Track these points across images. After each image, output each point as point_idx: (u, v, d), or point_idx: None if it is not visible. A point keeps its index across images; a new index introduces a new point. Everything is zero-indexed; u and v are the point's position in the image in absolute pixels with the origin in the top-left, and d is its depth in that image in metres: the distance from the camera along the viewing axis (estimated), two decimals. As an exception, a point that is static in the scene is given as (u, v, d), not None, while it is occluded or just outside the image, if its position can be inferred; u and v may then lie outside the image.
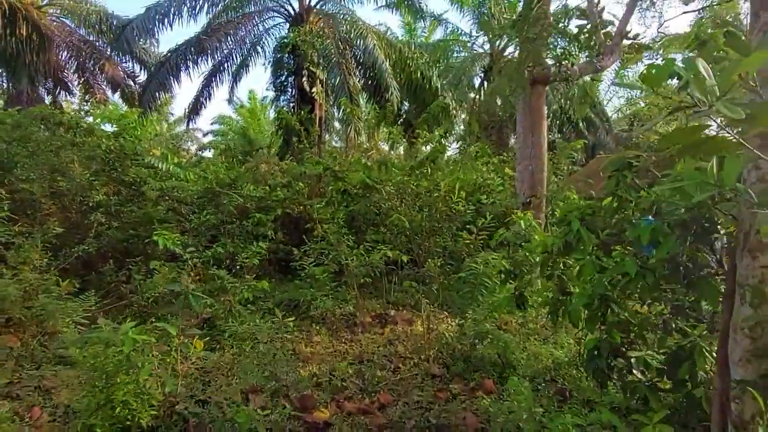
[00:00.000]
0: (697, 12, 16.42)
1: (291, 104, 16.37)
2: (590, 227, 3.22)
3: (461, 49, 24.69)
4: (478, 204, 8.69)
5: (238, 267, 7.61)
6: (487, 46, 24.21)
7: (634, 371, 3.11)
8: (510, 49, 24.23)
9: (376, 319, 7.12)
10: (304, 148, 12.29)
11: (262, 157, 14.64)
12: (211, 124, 35.22)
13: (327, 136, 30.17)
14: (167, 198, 9.95)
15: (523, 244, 4.33)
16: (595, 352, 3.24)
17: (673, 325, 3.27)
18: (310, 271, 7.24)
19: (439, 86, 15.56)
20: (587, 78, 10.65)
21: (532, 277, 4.32)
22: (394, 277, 7.96)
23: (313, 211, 8.93)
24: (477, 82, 24.84)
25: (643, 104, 28.29)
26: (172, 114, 37.56)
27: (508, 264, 4.19)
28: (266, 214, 9.93)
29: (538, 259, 3.86)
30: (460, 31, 24.28)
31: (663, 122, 23.73)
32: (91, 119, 9.59)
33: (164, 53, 17.42)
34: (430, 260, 7.04)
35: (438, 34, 25.32)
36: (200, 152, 32.30)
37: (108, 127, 9.85)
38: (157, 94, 16.11)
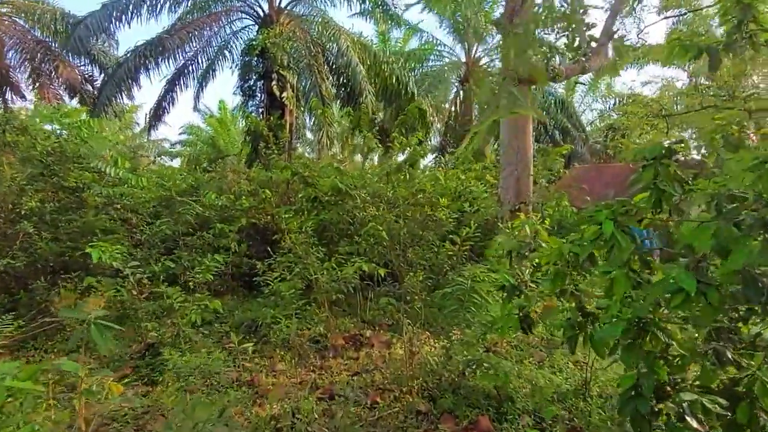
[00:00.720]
0: (673, 20, 16.28)
1: (260, 110, 15.52)
2: (624, 231, 2.50)
3: (437, 58, 24.29)
4: (461, 213, 7.98)
5: (194, 283, 6.71)
6: (463, 56, 23.89)
7: (688, 419, 2.37)
8: (485, 59, 24.07)
9: (350, 341, 6.29)
10: (273, 154, 11.45)
11: (228, 165, 13.70)
12: (180, 134, 33.95)
13: (300, 146, 29.39)
14: (116, 206, 8.97)
15: (528, 253, 3.61)
16: (633, 392, 2.50)
17: (729, 356, 2.56)
18: (275, 288, 6.38)
19: (415, 92, 14.93)
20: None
21: (536, 293, 3.59)
22: (370, 293, 7.16)
23: (281, 221, 8.13)
24: (453, 92, 24.52)
25: (615, 116, 28.39)
26: (138, 124, 36.17)
27: (511, 278, 3.43)
28: (229, 224, 9.07)
29: (548, 272, 3.13)
30: (435, 41, 23.89)
31: (639, 133, 23.70)
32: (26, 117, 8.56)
33: (122, 54, 16.39)
34: (410, 274, 6.27)
35: (413, 43, 24.91)
36: (160, 158, 30.98)
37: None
38: (113, 97, 15.05)
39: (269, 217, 9.85)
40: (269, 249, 7.61)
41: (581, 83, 20.13)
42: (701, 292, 2.17)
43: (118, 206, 9.66)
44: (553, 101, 22.59)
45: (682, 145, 2.60)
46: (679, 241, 2.40)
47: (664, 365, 2.46)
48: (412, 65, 22.24)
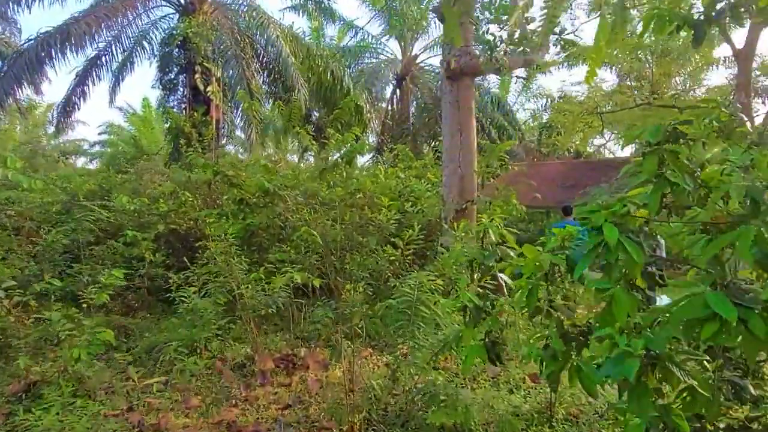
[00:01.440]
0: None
1: (182, 105, 14.28)
2: (631, 238, 1.92)
3: (372, 54, 23.72)
4: (402, 213, 7.37)
5: (89, 304, 5.67)
6: (399, 53, 23.46)
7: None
8: (423, 56, 23.77)
9: (282, 362, 5.50)
10: (194, 153, 10.39)
11: (144, 165, 12.42)
12: (100, 134, 31.45)
13: (232, 146, 27.89)
14: (8, 213, 7.70)
15: (493, 264, 3.01)
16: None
17: (752, 390, 2.05)
18: (192, 304, 5.49)
19: (351, 88, 14.22)
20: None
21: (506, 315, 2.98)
22: (305, 306, 6.38)
23: (205, 227, 7.21)
24: (389, 90, 24.04)
25: (547, 116, 28.96)
26: (51, 123, 33.26)
27: (476, 297, 2.78)
28: (145, 231, 8.03)
29: (517, 286, 2.51)
30: (370, 37, 23.30)
31: (560, 134, 24.14)
32: None
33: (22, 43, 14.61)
34: (348, 284, 5.56)
35: (348, 41, 24.20)
36: (66, 158, 28.62)
37: None
38: (12, 91, 13.33)
39: (192, 222, 8.87)
40: (191, 258, 6.69)
41: (520, 78, 20.17)
42: (741, 320, 1.61)
43: (11, 213, 8.37)
44: (489, 99, 22.56)
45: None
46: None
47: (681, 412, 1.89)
48: (348, 62, 21.53)
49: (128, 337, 6.46)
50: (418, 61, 23.59)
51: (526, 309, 2.46)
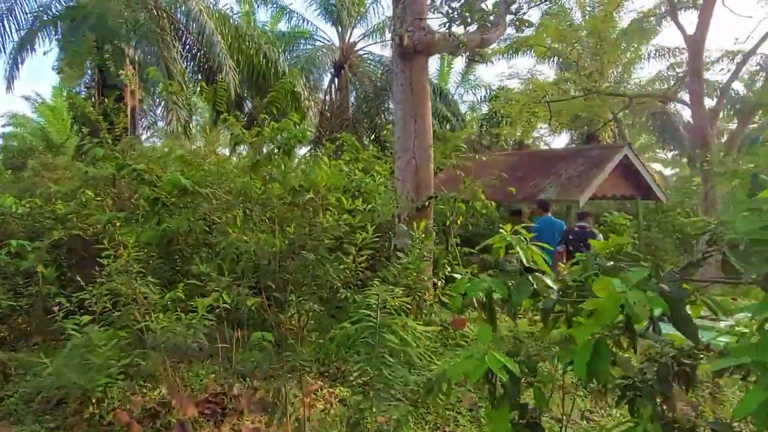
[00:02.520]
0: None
1: (93, 91, 12.49)
2: None
3: (308, 41, 22.39)
4: (349, 213, 6.34)
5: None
6: (336, 40, 22.27)
7: None
8: (362, 44, 22.69)
9: (208, 407, 4.34)
10: (104, 144, 8.86)
11: (43, 159, 10.64)
12: (3, 125, 28.11)
13: (156, 139, 25.63)
14: None
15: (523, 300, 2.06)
16: None
17: None
18: (85, 338, 4.22)
19: (287, 72, 12.94)
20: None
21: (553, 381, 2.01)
22: (238, 332, 5.22)
23: (115, 232, 5.91)
24: (327, 79, 22.81)
25: (486, 108, 28.76)
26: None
27: (510, 361, 1.80)
28: (34, 239, 6.60)
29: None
30: (306, 23, 21.96)
31: (505, 124, 23.94)
32: None
33: None
34: (292, 304, 4.50)
35: (283, 26, 22.73)
36: None
37: None
38: None
39: (101, 226, 7.46)
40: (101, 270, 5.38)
41: (475, 60, 19.55)
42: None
43: None
44: (431, 89, 21.85)
45: None
46: None
47: None
48: (283, 48, 20.12)
49: (7, 379, 5.07)
50: (357, 48, 22.52)
51: (594, 382, 1.51)
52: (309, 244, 5.28)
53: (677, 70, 17.98)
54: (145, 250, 6.20)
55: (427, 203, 6.10)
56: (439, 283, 5.78)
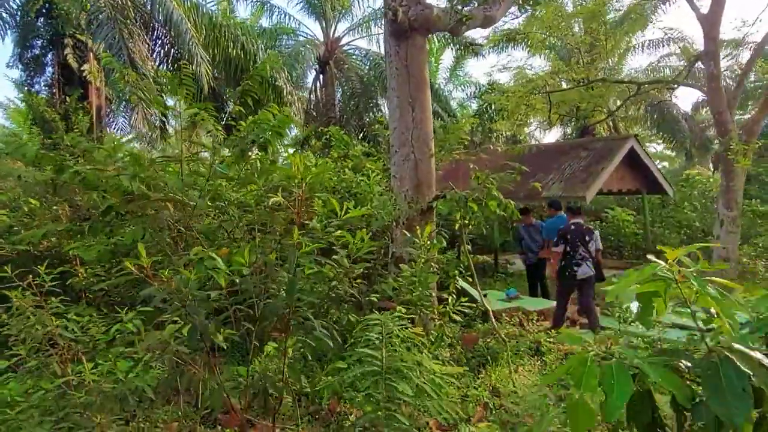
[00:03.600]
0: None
1: (53, 88, 11.41)
2: None
3: (291, 37, 21.36)
4: (343, 218, 5.40)
5: None
6: (320, 35, 21.29)
7: None
8: (347, 38, 21.73)
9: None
10: (61, 145, 7.88)
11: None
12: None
13: (135, 143, 24.41)
14: None
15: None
16: None
17: None
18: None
19: (267, 65, 11.91)
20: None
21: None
22: (206, 372, 4.24)
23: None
24: (311, 77, 21.80)
25: (475, 104, 27.93)
26: None
27: None
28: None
29: None
30: (289, 18, 20.95)
31: (501, 118, 23.09)
32: None
33: None
34: (273, 338, 3.54)
35: (264, 23, 21.68)
36: None
37: None
38: None
39: (55, 239, 6.52)
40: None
41: (474, 46, 18.63)
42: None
43: None
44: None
45: None
46: None
47: None
48: (264, 44, 19.10)
49: None
50: (342, 44, 21.55)
51: None
52: (291, 255, 4.32)
53: (682, 55, 17.25)
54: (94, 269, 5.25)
55: (432, 204, 5.16)
56: (450, 299, 4.85)
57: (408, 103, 6.22)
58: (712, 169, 25.61)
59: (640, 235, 14.76)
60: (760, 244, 10.75)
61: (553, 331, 6.48)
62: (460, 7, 5.95)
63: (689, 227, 13.97)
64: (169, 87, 6.33)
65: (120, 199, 4.64)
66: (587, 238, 6.93)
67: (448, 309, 4.88)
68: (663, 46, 20.43)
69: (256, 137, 4.76)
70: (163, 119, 15.77)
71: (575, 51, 16.98)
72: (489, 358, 5.43)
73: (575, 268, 6.91)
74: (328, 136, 9.51)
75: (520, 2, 7.04)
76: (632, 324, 6.06)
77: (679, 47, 19.86)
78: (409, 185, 6.20)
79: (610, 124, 21.16)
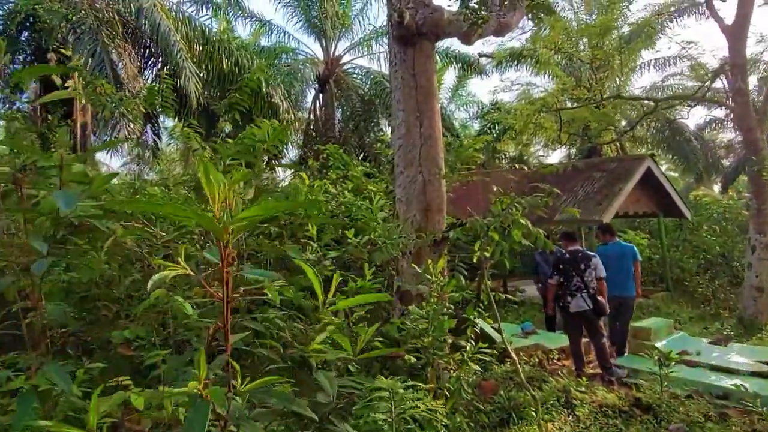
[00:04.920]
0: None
1: (36, 106, 10.75)
2: None
3: (291, 55, 20.88)
4: (336, 243, 4.64)
5: None
6: (320, 53, 20.79)
7: None
8: (347, 57, 21.23)
9: None
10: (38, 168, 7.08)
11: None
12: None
13: (133, 165, 23.77)
14: None
15: None
16: None
17: None
18: None
19: (263, 82, 11.31)
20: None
21: None
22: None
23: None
24: (311, 96, 21.25)
25: (477, 125, 27.41)
26: None
27: None
28: None
29: None
30: (288, 37, 20.49)
31: (508, 138, 22.52)
32: None
33: None
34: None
35: (264, 42, 21.23)
36: None
37: None
38: None
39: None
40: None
41: (485, 58, 18.03)
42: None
43: None
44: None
45: None
46: None
47: None
48: (264, 61, 18.57)
49: None
50: (342, 62, 21.05)
51: None
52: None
53: (691, 73, 16.71)
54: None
55: (447, 234, 4.37)
56: (469, 347, 4.06)
57: (415, 117, 5.52)
58: (721, 190, 24.95)
59: (654, 260, 13.97)
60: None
61: (583, 378, 5.66)
62: (475, 10, 5.28)
63: (708, 251, 13.18)
64: (146, 100, 5.64)
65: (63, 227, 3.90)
66: (583, 266, 6.07)
67: (466, 357, 4.09)
68: (670, 65, 19.91)
69: (242, 154, 4.03)
70: (156, 138, 15.17)
71: (583, 69, 16.47)
72: (512, 412, 4.62)
73: (569, 299, 6.10)
74: (325, 156, 8.81)
75: (534, 11, 6.38)
76: (670, 366, 5.23)
77: (691, 65, 19.34)
78: (416, 210, 5.45)
79: (617, 144, 20.56)
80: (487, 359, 4.36)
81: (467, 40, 5.90)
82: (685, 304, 11.17)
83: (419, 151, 5.50)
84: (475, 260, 4.23)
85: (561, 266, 6.11)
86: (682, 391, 5.16)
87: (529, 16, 7.89)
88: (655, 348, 6.17)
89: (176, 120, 10.87)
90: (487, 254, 4.00)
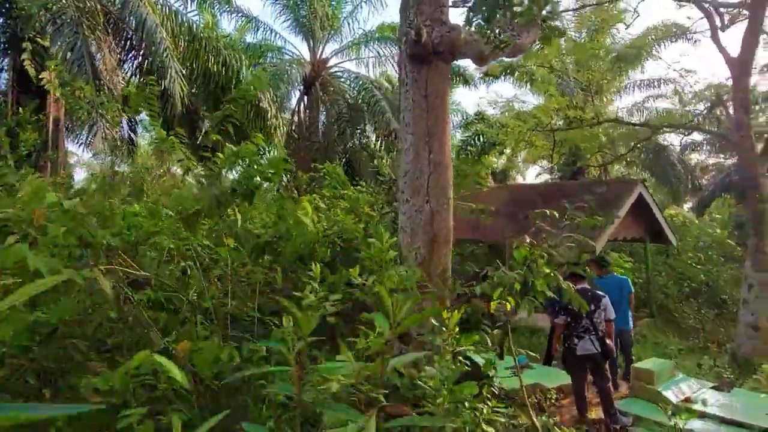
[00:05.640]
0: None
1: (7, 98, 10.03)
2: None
3: (277, 54, 20.30)
4: (347, 290, 4.19)
5: None
6: (307, 54, 20.25)
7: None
8: (335, 59, 20.74)
9: None
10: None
11: None
12: None
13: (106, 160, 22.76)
14: None
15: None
16: None
17: None
18: None
19: (252, 87, 10.74)
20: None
21: None
22: None
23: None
24: (296, 97, 20.69)
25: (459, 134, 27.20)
26: None
27: None
28: None
29: None
30: (275, 35, 19.92)
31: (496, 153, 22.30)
32: None
33: None
34: None
35: (250, 39, 20.59)
36: None
37: None
38: None
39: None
40: None
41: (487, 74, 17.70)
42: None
43: None
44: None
45: None
46: None
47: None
48: (248, 60, 17.94)
49: None
50: (330, 65, 20.57)
51: None
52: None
53: (673, 96, 16.78)
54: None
55: (471, 291, 3.92)
56: (486, 409, 3.67)
57: (424, 142, 5.12)
58: (697, 214, 25.26)
59: (637, 284, 13.91)
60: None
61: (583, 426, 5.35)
62: (496, 32, 4.92)
63: (693, 280, 13.16)
64: (130, 106, 5.11)
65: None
66: (593, 306, 5.76)
67: (480, 420, 3.70)
68: (655, 86, 20.00)
69: (238, 185, 3.56)
70: (131, 133, 14.43)
71: (575, 88, 16.37)
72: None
73: (576, 341, 5.78)
74: (314, 169, 8.36)
75: (545, 34, 6.07)
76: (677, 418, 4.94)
77: (674, 89, 19.48)
78: (422, 241, 5.05)
79: (601, 164, 20.58)
80: (502, 420, 3.97)
81: (482, 62, 5.55)
82: (671, 334, 11.06)
83: (427, 179, 5.10)
84: (492, 311, 3.85)
85: (569, 306, 5.80)
86: (694, 448, 4.89)
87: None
88: (662, 395, 5.91)
89: (159, 123, 10.24)
90: (509, 307, 3.62)
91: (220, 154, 5.03)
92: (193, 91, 11.42)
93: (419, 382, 3.60)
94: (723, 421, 5.48)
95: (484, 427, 3.78)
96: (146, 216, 4.33)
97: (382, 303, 2.60)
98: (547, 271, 3.72)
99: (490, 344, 3.71)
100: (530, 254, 3.55)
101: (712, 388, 6.50)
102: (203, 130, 13.82)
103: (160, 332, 3.75)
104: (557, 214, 4.96)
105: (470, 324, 3.78)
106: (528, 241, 3.77)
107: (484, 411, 3.70)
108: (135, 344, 3.80)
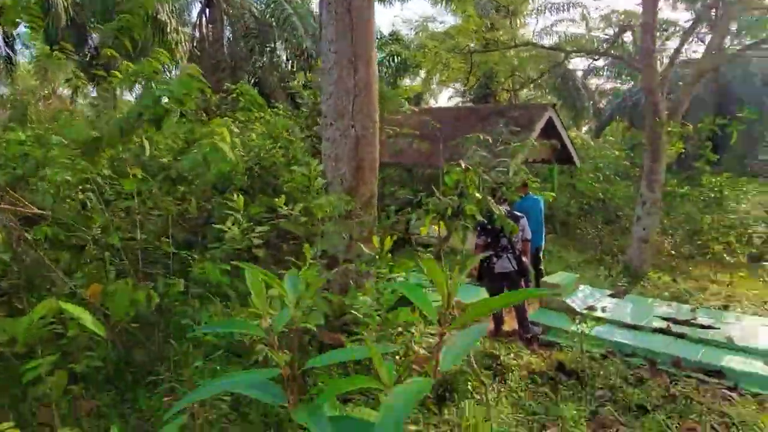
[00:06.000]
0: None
1: None
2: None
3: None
4: (263, 222, 3.96)
5: None
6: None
7: None
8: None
9: None
10: None
11: None
12: None
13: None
14: None
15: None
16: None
17: None
18: None
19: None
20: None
21: None
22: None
23: None
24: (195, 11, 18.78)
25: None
26: None
27: None
28: None
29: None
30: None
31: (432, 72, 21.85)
32: None
33: None
34: None
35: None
36: None
37: None
38: None
39: None
40: None
41: None
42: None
43: None
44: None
45: None
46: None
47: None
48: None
49: None
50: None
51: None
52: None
53: (580, 22, 17.16)
54: None
55: (369, 198, 3.78)
56: (417, 334, 3.73)
57: (349, 62, 4.80)
58: (594, 136, 26.90)
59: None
60: (667, 224, 11.05)
61: (502, 339, 5.72)
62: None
63: (591, 198, 14.18)
64: (7, 16, 4.26)
65: None
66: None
67: (414, 341, 3.78)
68: (564, 10, 20.34)
69: (144, 109, 3.13)
70: (9, 50, 12.63)
71: (490, 9, 16.23)
72: (450, 392, 4.46)
73: (494, 260, 6.03)
74: (223, 90, 7.74)
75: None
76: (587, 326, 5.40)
77: (581, 14, 19.92)
78: (347, 168, 4.87)
79: (512, 91, 21.00)
80: (431, 341, 4.08)
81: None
82: (572, 248, 11.97)
83: (352, 102, 4.85)
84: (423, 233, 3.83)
85: (489, 227, 5.94)
86: (598, 350, 5.39)
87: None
88: (568, 305, 6.41)
89: (42, 37, 8.85)
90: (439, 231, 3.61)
91: (117, 73, 4.43)
92: (78, 0, 9.95)
93: (353, 311, 3.57)
94: (620, 325, 6.08)
95: (416, 348, 3.87)
96: (34, 145, 3.75)
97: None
98: (479, 195, 3.72)
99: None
100: (463, 179, 3.51)
101: (609, 295, 7.15)
102: (93, 46, 12.28)
103: (63, 273, 3.37)
104: (490, 139, 4.92)
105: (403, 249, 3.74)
106: (462, 165, 3.72)
107: (416, 335, 3.77)
108: (35, 287, 3.41)
